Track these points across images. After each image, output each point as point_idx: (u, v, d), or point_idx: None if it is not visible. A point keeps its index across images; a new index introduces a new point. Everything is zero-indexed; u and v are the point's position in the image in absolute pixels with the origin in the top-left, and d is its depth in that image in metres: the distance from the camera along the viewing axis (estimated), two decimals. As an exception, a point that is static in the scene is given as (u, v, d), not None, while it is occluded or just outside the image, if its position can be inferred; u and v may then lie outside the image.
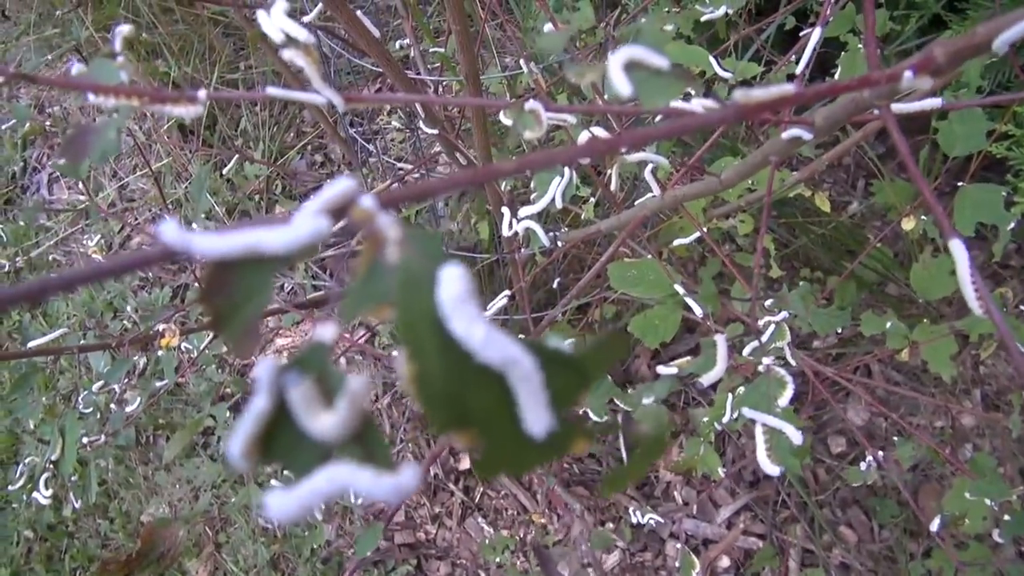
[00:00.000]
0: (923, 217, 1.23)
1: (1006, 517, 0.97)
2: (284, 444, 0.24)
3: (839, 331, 1.74)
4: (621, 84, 0.34)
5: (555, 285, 1.49)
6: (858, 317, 1.31)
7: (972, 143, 1.03)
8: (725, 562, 1.55)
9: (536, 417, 0.24)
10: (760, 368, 0.56)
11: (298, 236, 0.25)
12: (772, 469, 0.53)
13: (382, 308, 0.26)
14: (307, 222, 0.26)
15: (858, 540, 1.54)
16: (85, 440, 1.16)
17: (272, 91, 0.49)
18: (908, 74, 0.38)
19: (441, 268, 0.23)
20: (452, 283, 0.22)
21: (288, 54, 0.46)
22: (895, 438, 1.51)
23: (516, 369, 0.23)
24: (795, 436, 0.53)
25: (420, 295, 0.23)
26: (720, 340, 0.55)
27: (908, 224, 1.17)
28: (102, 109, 0.44)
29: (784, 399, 0.54)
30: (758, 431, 0.55)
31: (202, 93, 0.46)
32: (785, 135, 0.62)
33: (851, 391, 1.61)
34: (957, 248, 0.47)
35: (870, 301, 1.66)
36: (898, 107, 0.49)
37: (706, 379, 0.62)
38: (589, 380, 0.25)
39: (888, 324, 1.16)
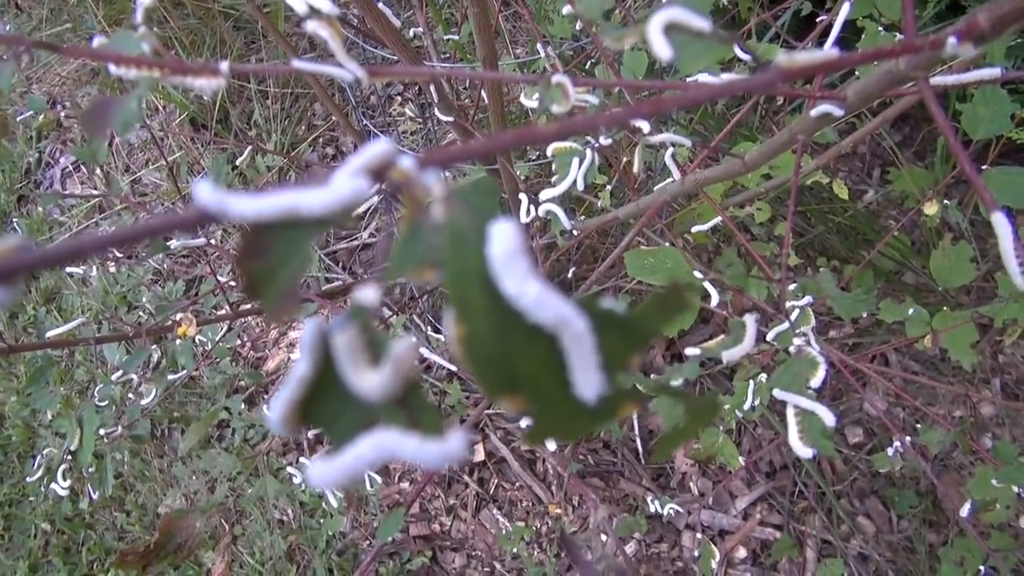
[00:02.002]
0: (945, 202, 1.21)
1: (1033, 505, 0.96)
2: (327, 408, 0.23)
3: (856, 320, 1.72)
4: (661, 47, 0.33)
5: (570, 275, 1.48)
6: (876, 305, 1.30)
7: (996, 126, 1.01)
8: (742, 553, 1.54)
9: (587, 380, 0.23)
10: (791, 349, 0.55)
11: (336, 197, 0.24)
12: (804, 452, 0.52)
13: (425, 269, 0.25)
14: (345, 183, 0.25)
15: (876, 530, 1.53)
16: (101, 432, 1.16)
17: (298, 64, 0.49)
18: (952, 40, 0.37)
19: (491, 224, 0.22)
20: (503, 239, 0.22)
21: (311, 26, 0.46)
22: (917, 426, 1.49)
23: (568, 330, 0.22)
24: (828, 418, 0.52)
25: (469, 252, 0.22)
26: (750, 320, 0.54)
27: (930, 209, 1.16)
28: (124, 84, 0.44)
29: (816, 380, 0.53)
30: (790, 413, 0.54)
31: (224, 65, 0.46)
32: (815, 111, 0.61)
33: (868, 381, 1.59)
34: (1000, 221, 0.46)
35: (887, 290, 1.65)
36: (941, 79, 0.47)
37: (728, 355, 0.61)
38: (643, 341, 0.24)
39: (910, 311, 1.15)
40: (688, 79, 0.77)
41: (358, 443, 0.21)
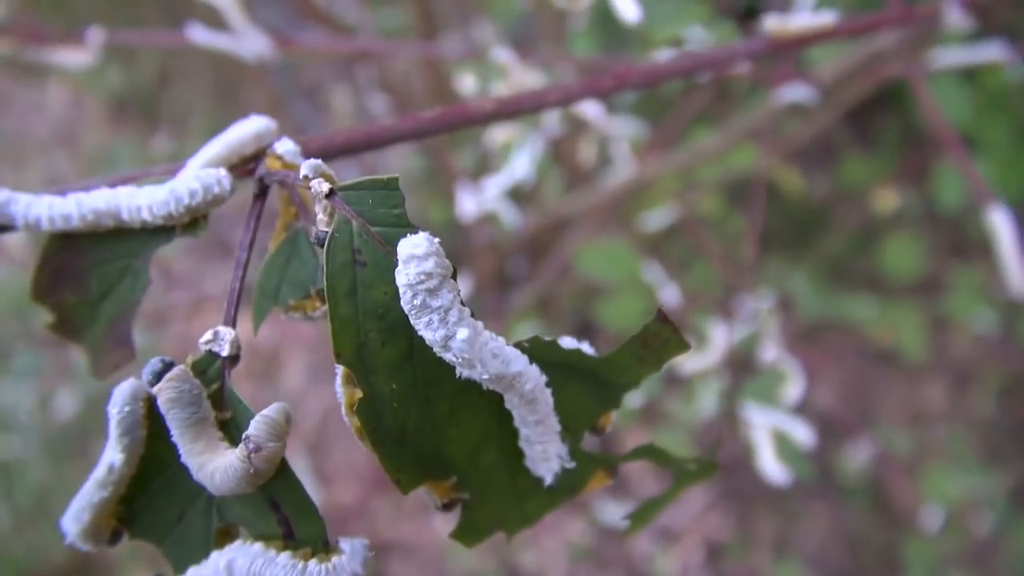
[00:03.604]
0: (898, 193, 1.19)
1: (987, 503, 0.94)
2: (157, 511, 0.16)
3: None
4: (627, 7, 0.26)
5: (518, 270, 1.42)
6: (828, 297, 1.27)
7: (958, 117, 0.99)
8: (697, 553, 1.51)
9: (545, 453, 0.16)
10: (762, 358, 0.50)
11: (181, 195, 0.17)
12: (781, 476, 0.47)
13: (309, 301, 0.18)
14: (194, 175, 0.18)
15: (829, 528, 1.51)
16: (12, 447, 1.06)
17: (193, 33, 0.41)
18: (954, 11, 0.32)
19: (398, 237, 0.15)
20: (416, 260, 0.15)
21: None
22: (874, 421, 1.48)
23: (517, 386, 0.15)
24: (806, 436, 0.47)
25: (366, 279, 0.15)
26: (718, 327, 0.48)
27: (885, 200, 1.13)
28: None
29: (793, 393, 0.48)
30: (760, 434, 0.48)
31: (94, 35, 0.38)
32: (785, 97, 0.55)
33: (822, 375, 1.57)
34: (998, 217, 0.41)
35: (840, 281, 1.63)
36: (946, 58, 0.42)
37: (692, 366, 0.56)
38: (619, 393, 0.17)
39: (865, 306, 1.13)
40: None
41: (204, 566, 0.15)
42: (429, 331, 0.14)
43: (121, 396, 0.14)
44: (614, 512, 1.24)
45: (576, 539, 1.35)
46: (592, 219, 0.98)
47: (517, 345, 0.16)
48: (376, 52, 0.49)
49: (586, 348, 0.17)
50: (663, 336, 0.16)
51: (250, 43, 0.38)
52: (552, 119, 0.62)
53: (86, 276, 0.17)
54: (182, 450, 0.14)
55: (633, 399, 0.59)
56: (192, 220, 0.17)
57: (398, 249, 0.14)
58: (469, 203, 0.83)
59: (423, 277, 0.14)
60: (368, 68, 1.03)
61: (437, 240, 0.14)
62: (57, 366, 1.61)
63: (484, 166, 1.44)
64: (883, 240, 1.37)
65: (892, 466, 1.47)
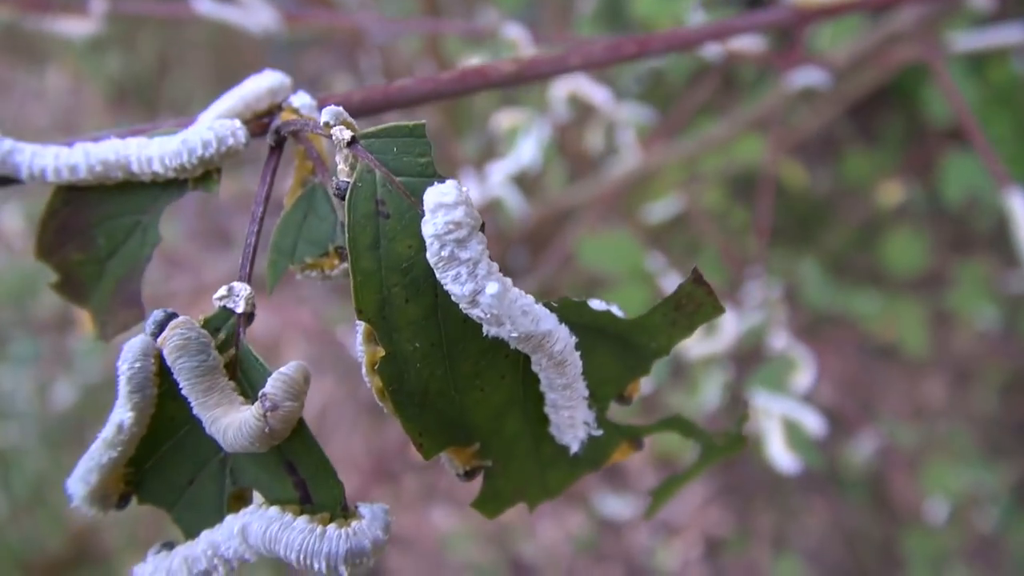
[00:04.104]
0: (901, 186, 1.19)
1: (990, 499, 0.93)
2: (167, 473, 0.15)
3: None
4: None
5: (519, 261, 1.41)
6: (833, 290, 1.26)
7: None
8: (696, 547, 1.50)
9: (571, 419, 0.16)
10: (772, 346, 0.49)
11: (194, 145, 0.16)
12: (790, 465, 0.46)
13: (326, 259, 0.17)
14: (208, 126, 0.17)
15: (828, 523, 1.51)
16: (9, 434, 1.05)
17: (198, 4, 0.40)
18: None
19: (424, 186, 0.14)
20: (445, 209, 0.14)
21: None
22: (869, 419, 1.47)
23: (546, 347, 0.15)
24: (816, 425, 0.46)
25: (389, 231, 0.14)
26: (728, 313, 0.47)
27: (890, 194, 1.12)
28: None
29: (803, 382, 0.47)
30: (771, 423, 0.48)
31: (97, 4, 0.37)
32: (797, 81, 0.54)
33: (822, 369, 1.57)
34: (1016, 199, 0.40)
35: (842, 276, 1.62)
36: (966, 40, 0.41)
37: (699, 351, 0.56)
38: (649, 359, 0.17)
39: (866, 300, 1.12)
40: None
41: (217, 530, 0.14)
42: (456, 285, 0.14)
43: (131, 351, 0.14)
44: (613, 505, 1.24)
45: (575, 531, 1.34)
46: (595, 210, 0.97)
47: (546, 305, 0.15)
48: (381, 30, 0.49)
49: (616, 310, 0.16)
50: (697, 298, 0.16)
51: (257, 15, 0.38)
52: (560, 103, 0.61)
53: (93, 232, 0.16)
54: (193, 403, 0.14)
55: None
56: (205, 173, 0.16)
57: (425, 197, 0.14)
58: (473, 191, 0.82)
59: (452, 227, 0.13)
60: (370, 55, 1.02)
61: (466, 189, 0.14)
62: (55, 353, 1.60)
63: (487, 155, 1.43)
64: (885, 235, 1.36)
65: (895, 459, 1.47)
